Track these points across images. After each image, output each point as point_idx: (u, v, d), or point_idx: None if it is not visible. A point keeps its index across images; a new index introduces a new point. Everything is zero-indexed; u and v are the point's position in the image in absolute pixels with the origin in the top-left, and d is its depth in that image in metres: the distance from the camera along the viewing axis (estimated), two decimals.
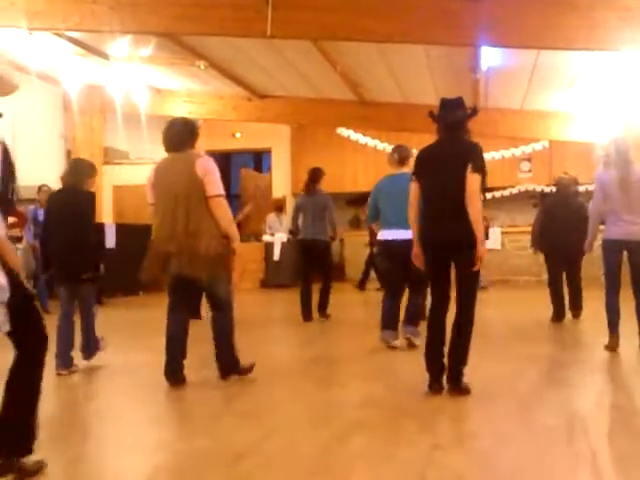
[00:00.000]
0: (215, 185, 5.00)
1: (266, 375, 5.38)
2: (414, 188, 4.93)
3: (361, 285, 14.32)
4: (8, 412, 3.19)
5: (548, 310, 8.82)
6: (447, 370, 4.73)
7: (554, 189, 9.69)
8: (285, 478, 3.22)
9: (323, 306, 9.30)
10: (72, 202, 5.83)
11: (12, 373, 3.21)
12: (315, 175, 9.41)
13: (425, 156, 4.95)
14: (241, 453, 3.54)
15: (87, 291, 5.96)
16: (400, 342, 6.68)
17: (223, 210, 5.04)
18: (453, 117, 4.86)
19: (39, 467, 3.21)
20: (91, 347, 5.98)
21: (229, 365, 5.18)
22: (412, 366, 4.90)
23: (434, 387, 4.77)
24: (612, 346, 6.31)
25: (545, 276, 9.30)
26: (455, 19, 7.85)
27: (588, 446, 3.66)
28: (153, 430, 4.18)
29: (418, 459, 3.42)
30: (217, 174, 5.06)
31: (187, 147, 5.17)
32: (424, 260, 4.92)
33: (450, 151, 4.84)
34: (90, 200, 5.94)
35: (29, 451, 3.18)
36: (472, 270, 4.70)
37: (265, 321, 9.88)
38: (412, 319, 6.75)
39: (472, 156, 4.76)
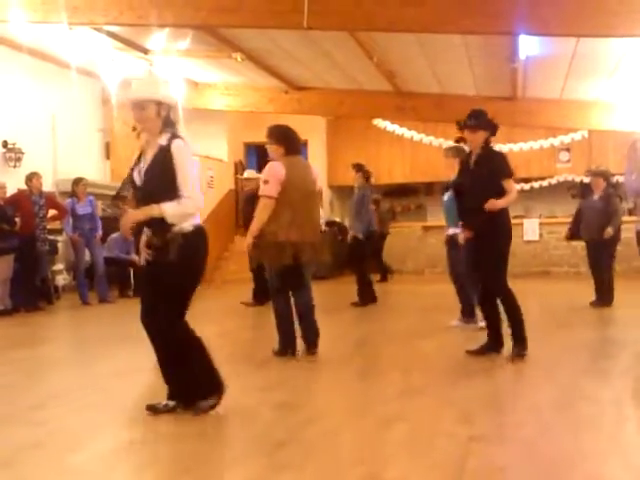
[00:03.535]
0: (319, 186, 6.01)
1: (306, 364, 5.40)
2: None
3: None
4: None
5: (587, 299, 8.82)
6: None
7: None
8: (325, 467, 3.23)
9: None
10: None
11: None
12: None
13: None
14: (282, 441, 3.56)
15: None
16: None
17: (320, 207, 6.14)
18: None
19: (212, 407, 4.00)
20: None
21: (316, 339, 5.74)
22: (451, 355, 4.89)
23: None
24: None
25: (583, 267, 9.28)
26: (493, 7, 7.77)
27: (628, 435, 3.63)
28: (195, 418, 4.21)
29: (457, 449, 3.42)
30: None
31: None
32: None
33: None
34: None
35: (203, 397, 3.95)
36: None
37: None
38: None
39: None
